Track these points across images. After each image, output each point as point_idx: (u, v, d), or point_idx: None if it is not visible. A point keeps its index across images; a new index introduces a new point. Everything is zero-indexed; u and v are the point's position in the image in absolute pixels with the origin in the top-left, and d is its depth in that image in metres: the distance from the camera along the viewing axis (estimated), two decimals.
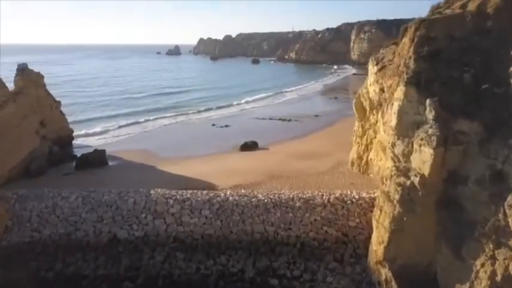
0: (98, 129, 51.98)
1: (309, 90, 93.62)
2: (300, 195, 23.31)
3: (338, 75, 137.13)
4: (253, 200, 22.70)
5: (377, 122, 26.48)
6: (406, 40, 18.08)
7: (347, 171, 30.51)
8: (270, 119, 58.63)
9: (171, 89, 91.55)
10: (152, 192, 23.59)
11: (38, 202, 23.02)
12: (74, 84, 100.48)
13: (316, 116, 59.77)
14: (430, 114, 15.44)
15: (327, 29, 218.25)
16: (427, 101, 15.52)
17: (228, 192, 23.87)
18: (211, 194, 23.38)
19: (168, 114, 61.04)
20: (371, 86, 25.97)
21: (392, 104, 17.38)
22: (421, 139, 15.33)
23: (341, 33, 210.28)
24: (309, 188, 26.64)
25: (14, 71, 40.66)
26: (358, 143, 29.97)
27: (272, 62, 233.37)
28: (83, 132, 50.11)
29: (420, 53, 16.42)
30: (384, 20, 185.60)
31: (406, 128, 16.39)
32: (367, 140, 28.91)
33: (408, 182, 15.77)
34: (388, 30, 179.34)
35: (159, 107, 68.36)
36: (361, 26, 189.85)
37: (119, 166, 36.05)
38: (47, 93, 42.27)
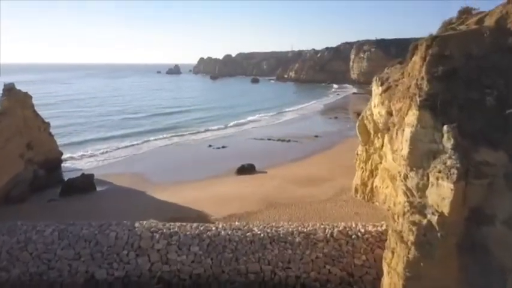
0: (90, 151, 49.96)
1: (308, 110, 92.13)
2: (300, 228, 21.06)
3: (338, 94, 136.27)
4: (248, 234, 20.45)
5: (382, 146, 24.51)
6: (416, 59, 16.27)
7: (350, 199, 28.29)
8: (269, 139, 56.72)
9: (169, 109, 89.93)
10: (136, 225, 21.35)
11: (9, 236, 20.75)
12: (72, 104, 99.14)
13: (316, 136, 57.89)
14: (448, 143, 13.45)
15: (326, 48, 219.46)
16: (445, 128, 13.57)
17: (220, 226, 21.62)
18: (202, 228, 21.13)
19: (164, 135, 59.12)
20: (375, 108, 24.10)
21: (403, 130, 15.42)
22: (439, 171, 13.28)
23: (340, 53, 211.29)
24: (309, 218, 24.42)
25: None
26: (362, 168, 27.89)
27: (272, 81, 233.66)
28: (74, 154, 48.08)
29: (434, 73, 14.58)
30: (383, 40, 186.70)
31: (420, 158, 14.36)
32: (371, 165, 26.85)
33: (424, 221, 13.62)
34: (387, 49, 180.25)
35: (156, 128, 66.43)
36: (360, 45, 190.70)
37: (107, 192, 33.84)
38: (35, 114, 40.44)
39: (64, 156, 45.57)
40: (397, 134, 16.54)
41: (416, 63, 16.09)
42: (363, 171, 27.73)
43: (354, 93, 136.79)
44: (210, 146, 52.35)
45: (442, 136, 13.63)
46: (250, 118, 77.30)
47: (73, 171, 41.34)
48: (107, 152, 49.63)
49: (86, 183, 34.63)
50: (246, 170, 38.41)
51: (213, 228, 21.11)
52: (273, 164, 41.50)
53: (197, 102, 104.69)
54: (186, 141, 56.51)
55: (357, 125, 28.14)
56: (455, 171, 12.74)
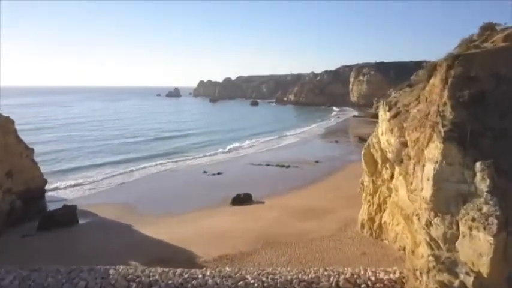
0: (80, 179, 47.06)
1: (308, 133, 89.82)
2: (300, 275, 18.14)
3: (338, 117, 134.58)
4: (240, 283, 17.52)
5: (392, 177, 21.91)
6: (435, 81, 13.91)
7: (356, 236, 25.37)
8: (267, 165, 54.06)
9: (167, 133, 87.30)
10: (111, 272, 18.44)
11: None
12: (69, 128, 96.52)
13: (317, 161, 55.27)
14: (482, 184, 10.89)
15: (326, 72, 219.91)
16: (477, 165, 11.06)
17: (209, 272, 18.68)
18: (187, 275, 18.22)
19: (159, 162, 56.33)
20: (383, 136, 21.63)
21: (423, 166, 12.87)
22: (472, 220, 10.66)
23: (339, 76, 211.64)
24: (311, 260, 21.52)
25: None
26: (369, 201, 25.14)
27: (271, 104, 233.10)
28: (62, 182, 45.28)
29: (459, 97, 12.21)
30: (382, 63, 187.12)
31: (446, 202, 11.76)
32: (379, 198, 24.14)
33: (456, 282, 10.90)
34: (386, 72, 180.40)
35: (152, 153, 63.44)
36: (359, 68, 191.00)
37: (89, 226, 30.92)
38: (17, 139, 37.99)
39: (52, 185, 43.00)
40: (414, 169, 14.00)
41: (435, 86, 13.72)
42: (370, 205, 24.97)
43: (354, 116, 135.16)
44: (205, 172, 49.65)
45: (475, 175, 11.07)
46: (248, 142, 74.83)
47: (58, 201, 38.54)
48: (96, 180, 46.74)
49: (67, 216, 31.75)
50: (242, 200, 35.59)
51: (200, 276, 18.19)
52: (271, 193, 38.72)
53: (195, 126, 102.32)
54: (181, 167, 53.80)
55: (362, 153, 25.57)
56: (495, 221, 10.13)
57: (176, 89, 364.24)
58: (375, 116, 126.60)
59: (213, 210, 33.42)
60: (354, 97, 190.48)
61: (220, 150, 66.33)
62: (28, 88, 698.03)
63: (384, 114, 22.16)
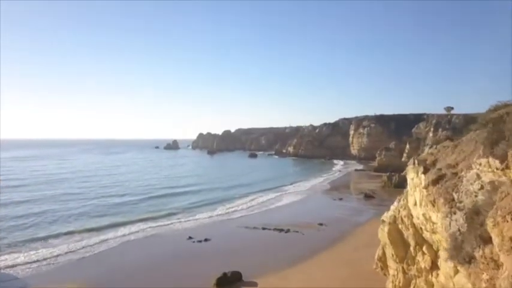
0: (41, 251, 39.36)
1: (310, 189, 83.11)
2: None
3: (339, 171, 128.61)
4: None
5: (431, 267, 15.39)
6: None
7: None
8: (264, 228, 46.96)
9: (159, 191, 78.43)
10: None
11: None
12: (53, 185, 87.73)
13: (321, 224, 48.25)
14: None
15: (325, 124, 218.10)
16: None
17: None
18: None
19: (141, 226, 48.86)
20: (418, 208, 15.47)
21: None
22: None
23: (339, 128, 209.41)
24: None
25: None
26: None
27: (270, 156, 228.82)
28: (21, 256, 37.84)
29: None
30: (382, 115, 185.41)
31: None
32: None
33: None
34: (387, 125, 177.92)
35: (136, 216, 55.05)
36: (359, 120, 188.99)
37: None
38: None
39: (8, 261, 35.82)
40: None
41: None
42: None
43: (356, 169, 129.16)
44: (190, 238, 42.43)
45: None
46: (244, 200, 67.88)
47: (7, 281, 31.34)
48: (60, 253, 38.90)
49: None
50: (229, 280, 28.36)
51: None
52: (266, 269, 31.49)
53: (189, 183, 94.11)
54: (165, 233, 46.41)
55: (385, 230, 19.14)
56: None
57: (175, 141, 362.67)
58: (378, 169, 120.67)
59: None
60: (354, 150, 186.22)
61: (212, 210, 59.24)
62: (28, 141, 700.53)
63: (416, 178, 16.16)
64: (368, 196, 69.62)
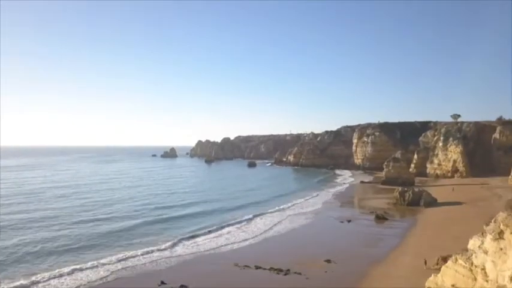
0: None
1: (313, 208, 74.06)
2: None
3: (343, 183, 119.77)
4: None
5: None
6: None
7: None
8: (257, 267, 37.98)
9: (146, 215, 66.57)
10: None
11: None
12: (31, 207, 76.23)
13: (328, 261, 39.15)
14: None
15: (326, 132, 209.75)
16: None
17: None
18: None
19: (106, 264, 39.71)
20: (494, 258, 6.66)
21: None
22: None
23: (341, 136, 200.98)
24: None
25: None
26: None
27: (269, 164, 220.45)
28: None
29: None
30: (387, 123, 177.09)
31: None
32: None
33: None
34: (392, 133, 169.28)
35: (110, 246, 45.99)
36: (362, 128, 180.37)
37: None
38: None
39: None
40: None
41: None
42: None
43: (362, 182, 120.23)
44: (162, 284, 33.53)
45: None
46: (237, 226, 57.95)
47: None
48: None
49: None
50: None
51: None
52: None
53: (180, 202, 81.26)
54: (134, 274, 37.33)
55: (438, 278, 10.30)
56: None
57: (172, 149, 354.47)
58: (386, 182, 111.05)
59: None
60: (358, 159, 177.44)
61: (198, 240, 49.91)
62: (27, 148, 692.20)
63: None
64: (380, 218, 60.78)
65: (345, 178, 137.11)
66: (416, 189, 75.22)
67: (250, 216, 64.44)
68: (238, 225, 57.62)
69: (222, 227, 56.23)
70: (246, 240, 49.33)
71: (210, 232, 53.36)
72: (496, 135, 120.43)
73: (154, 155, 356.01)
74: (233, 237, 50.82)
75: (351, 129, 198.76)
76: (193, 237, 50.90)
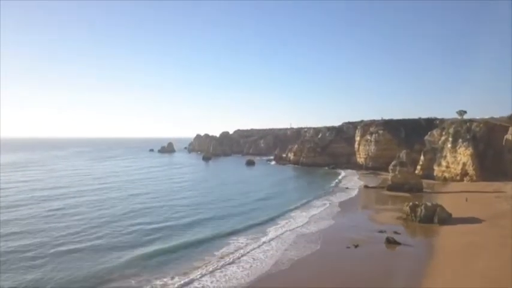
0: None
1: (315, 221, 67.77)
2: None
3: (347, 187, 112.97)
4: None
5: None
6: None
7: None
8: None
9: (129, 231, 61.74)
10: None
11: None
12: (16, 213, 72.52)
13: None
14: None
15: (328, 128, 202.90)
16: None
17: None
18: None
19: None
20: None
21: None
22: None
23: (343, 133, 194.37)
24: None
25: None
26: None
27: (269, 162, 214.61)
28: None
29: None
30: (391, 120, 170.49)
31: None
32: None
33: None
34: (396, 131, 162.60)
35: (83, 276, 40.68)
36: (366, 126, 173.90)
37: None
38: None
39: None
40: None
41: None
42: None
43: (366, 186, 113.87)
44: None
45: None
46: (231, 248, 52.01)
47: None
48: None
49: None
50: None
51: None
52: None
53: (169, 215, 76.52)
54: None
55: None
56: None
57: (170, 143, 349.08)
58: (392, 187, 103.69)
59: None
60: (360, 158, 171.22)
61: (171, 275, 42.91)
62: (27, 139, 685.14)
63: None
64: (392, 242, 54.45)
65: (348, 181, 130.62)
66: (429, 204, 68.75)
67: (247, 232, 58.07)
68: (232, 248, 50.73)
69: (200, 260, 48.80)
70: (228, 279, 42.49)
71: (192, 265, 46.75)
72: (508, 136, 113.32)
73: (151, 150, 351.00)
74: (210, 282, 44.21)
75: (353, 126, 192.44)
76: (171, 267, 44.38)
